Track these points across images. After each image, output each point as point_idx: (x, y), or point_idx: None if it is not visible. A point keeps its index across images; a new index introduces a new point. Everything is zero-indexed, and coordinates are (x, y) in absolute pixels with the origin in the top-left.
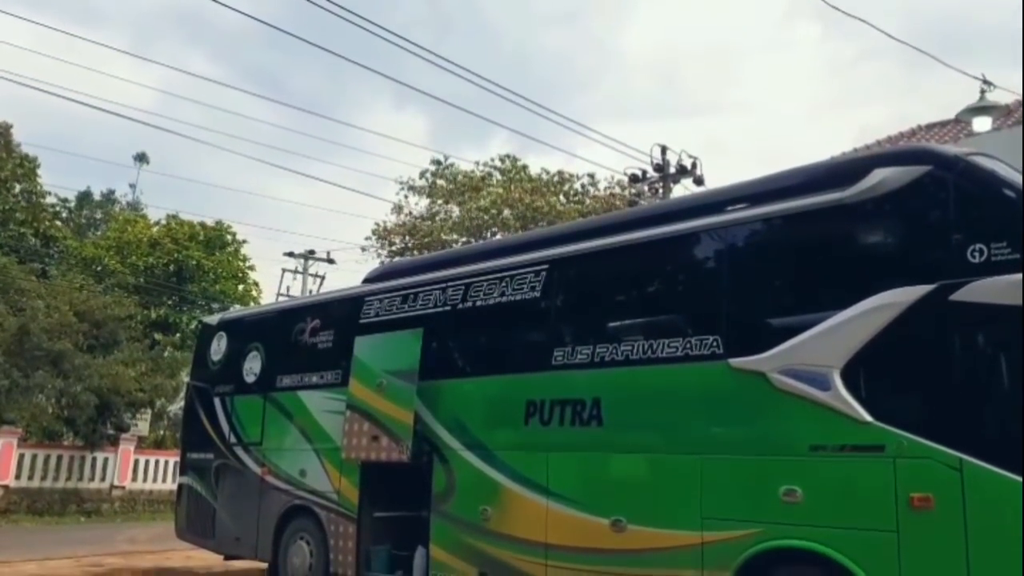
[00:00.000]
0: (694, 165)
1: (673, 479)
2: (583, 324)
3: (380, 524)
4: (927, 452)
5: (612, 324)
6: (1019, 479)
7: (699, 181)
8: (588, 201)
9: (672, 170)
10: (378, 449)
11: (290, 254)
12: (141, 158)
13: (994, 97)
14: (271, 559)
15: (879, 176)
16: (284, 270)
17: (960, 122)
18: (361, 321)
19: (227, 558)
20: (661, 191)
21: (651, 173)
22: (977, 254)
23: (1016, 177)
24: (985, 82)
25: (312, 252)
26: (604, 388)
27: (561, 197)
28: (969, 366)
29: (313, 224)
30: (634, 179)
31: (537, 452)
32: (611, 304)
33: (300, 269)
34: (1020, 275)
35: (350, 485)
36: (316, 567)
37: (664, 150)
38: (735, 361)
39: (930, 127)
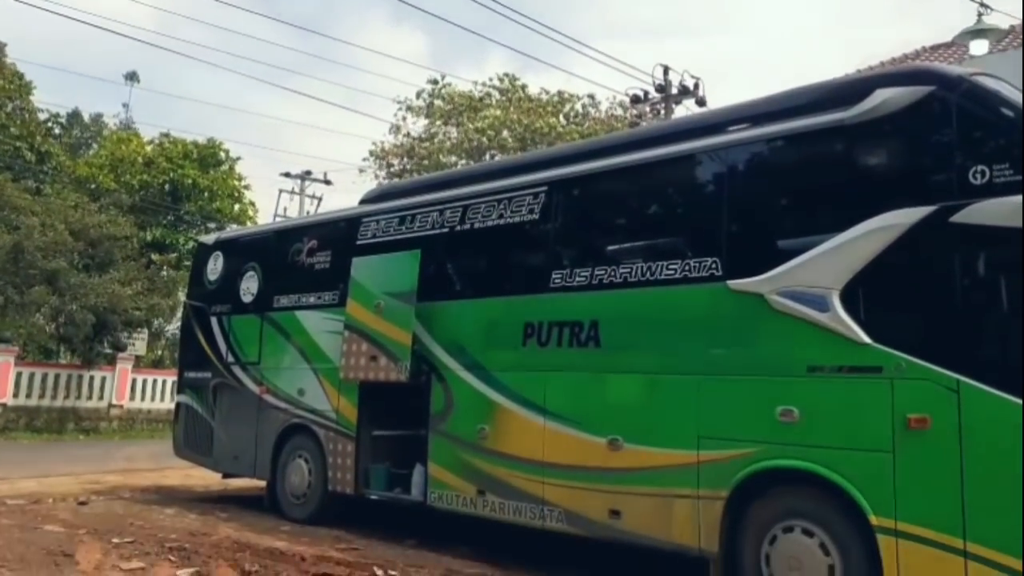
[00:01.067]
0: (696, 86)
1: (670, 399)
2: (582, 246)
3: (379, 443)
4: (925, 374)
5: (611, 246)
6: (1017, 401)
7: (701, 102)
8: (588, 123)
9: (674, 91)
10: (376, 369)
11: (287, 175)
12: (132, 77)
13: (991, 20)
14: (269, 477)
15: (881, 97)
16: (281, 191)
17: (963, 44)
18: (358, 242)
19: (225, 476)
20: (663, 112)
21: (653, 94)
22: (979, 176)
23: (1019, 98)
24: (982, 5)
25: (309, 173)
26: (602, 310)
27: (561, 118)
28: (968, 288)
29: (309, 144)
30: (635, 100)
31: (535, 373)
32: (610, 226)
33: (297, 190)
34: (1021, 197)
35: (349, 404)
36: (315, 485)
37: (666, 70)
38: (734, 283)
39: (934, 48)
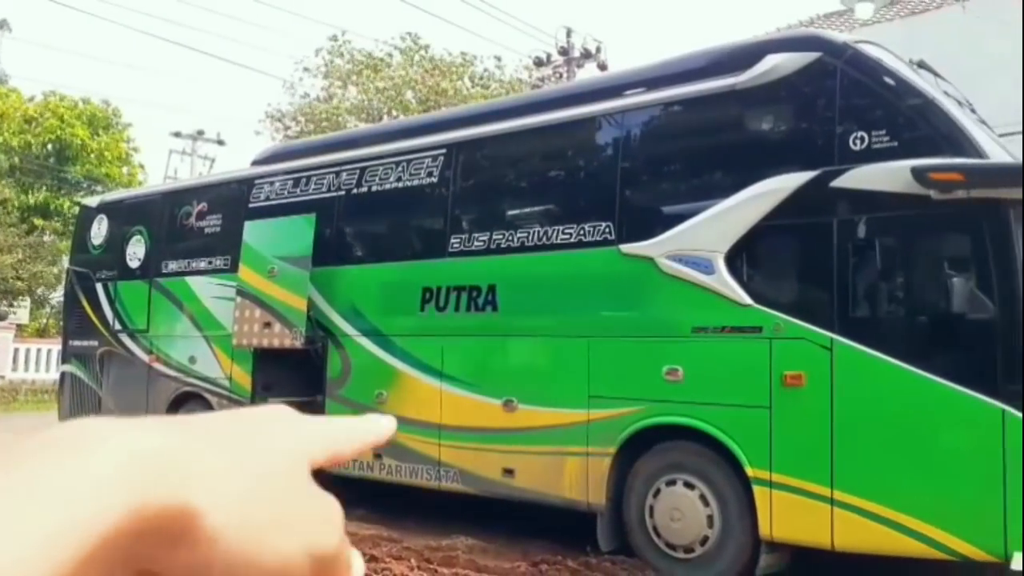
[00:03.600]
0: (598, 49)
1: (563, 361)
2: (480, 211)
3: None
4: (801, 333)
5: (509, 211)
6: (885, 358)
7: (603, 66)
8: (494, 85)
9: (577, 54)
10: (271, 336)
11: (177, 134)
12: (1, 25)
13: None
14: None
15: (771, 62)
16: (171, 151)
17: (850, 7)
18: (251, 205)
19: None
20: (565, 76)
21: (556, 57)
22: (858, 141)
23: (900, 67)
24: None
25: (201, 132)
26: (501, 275)
27: (466, 80)
28: (844, 251)
29: (202, 102)
30: (538, 63)
31: (432, 338)
32: (508, 190)
33: (188, 151)
34: (897, 163)
35: (242, 372)
36: None
37: (569, 32)
38: (626, 247)
39: (828, 16)
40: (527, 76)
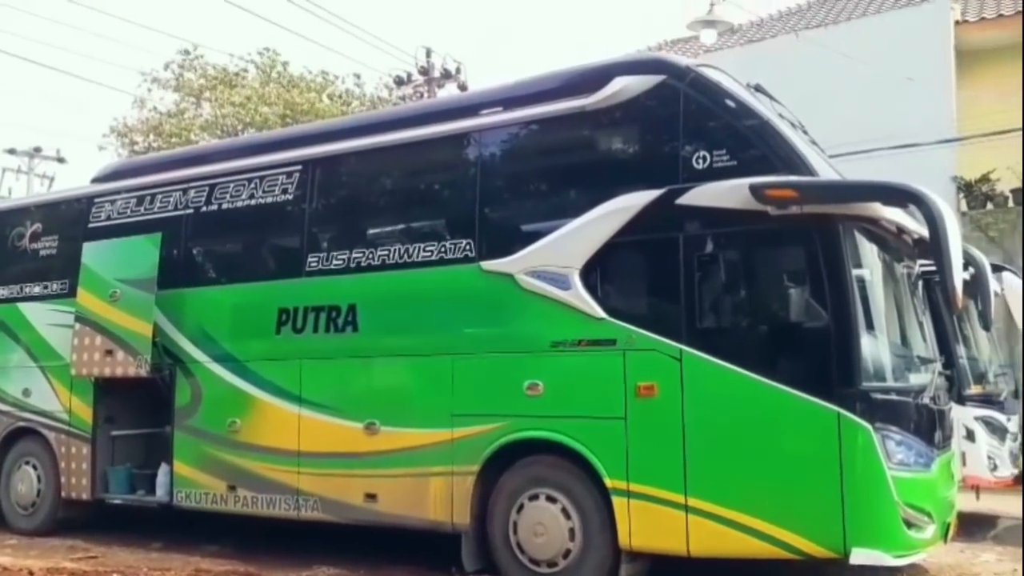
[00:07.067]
0: (458, 70)
1: (426, 380)
2: (338, 228)
3: (119, 443)
4: (652, 344)
5: (368, 229)
6: (729, 366)
7: (463, 87)
8: (354, 103)
9: (437, 74)
10: (113, 364)
11: (12, 151)
12: None
13: (722, 12)
14: None
15: (619, 84)
16: (5, 169)
17: (695, 34)
18: (90, 225)
19: None
20: (426, 95)
21: (416, 76)
22: (701, 160)
23: (739, 90)
24: None
25: (39, 149)
26: (360, 294)
27: (325, 98)
28: (690, 265)
29: (40, 117)
30: (399, 82)
31: (289, 361)
32: (366, 207)
33: (25, 168)
34: (736, 180)
35: (82, 404)
36: (45, 492)
37: (428, 52)
38: (486, 264)
39: (675, 42)
40: (388, 95)
